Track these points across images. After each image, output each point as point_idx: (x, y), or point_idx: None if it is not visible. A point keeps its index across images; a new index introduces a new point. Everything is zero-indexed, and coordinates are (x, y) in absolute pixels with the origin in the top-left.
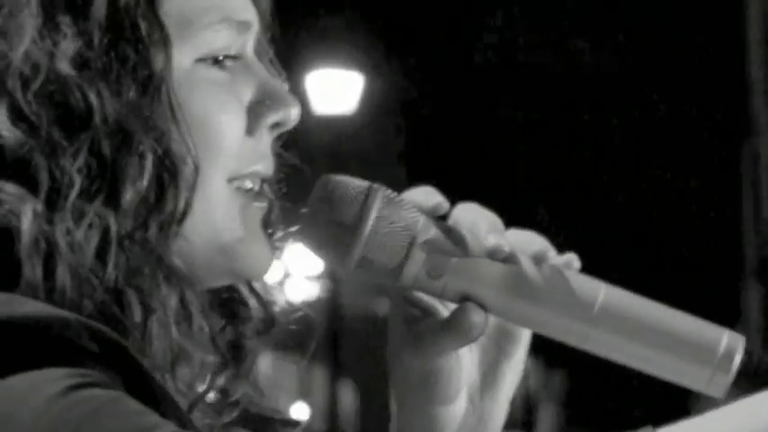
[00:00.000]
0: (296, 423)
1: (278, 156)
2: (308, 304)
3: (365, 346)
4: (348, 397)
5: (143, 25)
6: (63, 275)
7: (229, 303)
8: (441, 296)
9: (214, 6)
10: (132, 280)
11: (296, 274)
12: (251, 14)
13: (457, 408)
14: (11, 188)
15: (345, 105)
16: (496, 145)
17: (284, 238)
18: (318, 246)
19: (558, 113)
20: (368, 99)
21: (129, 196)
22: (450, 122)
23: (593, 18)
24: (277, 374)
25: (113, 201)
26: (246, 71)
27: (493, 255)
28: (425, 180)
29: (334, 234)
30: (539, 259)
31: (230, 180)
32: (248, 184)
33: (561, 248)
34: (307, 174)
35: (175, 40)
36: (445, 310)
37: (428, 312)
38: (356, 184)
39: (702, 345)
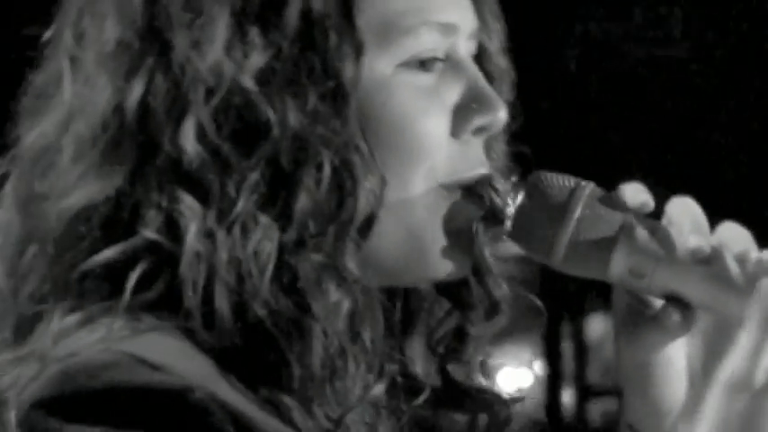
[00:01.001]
0: (512, 400)
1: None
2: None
3: None
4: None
5: (334, 35)
6: (220, 299)
7: (455, 288)
8: (647, 293)
9: (413, 9)
10: (296, 293)
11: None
12: (457, 15)
13: (678, 391)
14: (188, 200)
15: None
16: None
17: (492, 237)
18: (526, 238)
19: (575, 110)
20: None
21: (302, 206)
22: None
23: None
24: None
25: (285, 214)
26: (455, 72)
27: (695, 255)
28: None
29: (540, 226)
30: (743, 257)
31: (441, 185)
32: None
33: None
34: None
35: (374, 46)
36: (659, 303)
37: (645, 304)
38: (565, 178)
39: None
